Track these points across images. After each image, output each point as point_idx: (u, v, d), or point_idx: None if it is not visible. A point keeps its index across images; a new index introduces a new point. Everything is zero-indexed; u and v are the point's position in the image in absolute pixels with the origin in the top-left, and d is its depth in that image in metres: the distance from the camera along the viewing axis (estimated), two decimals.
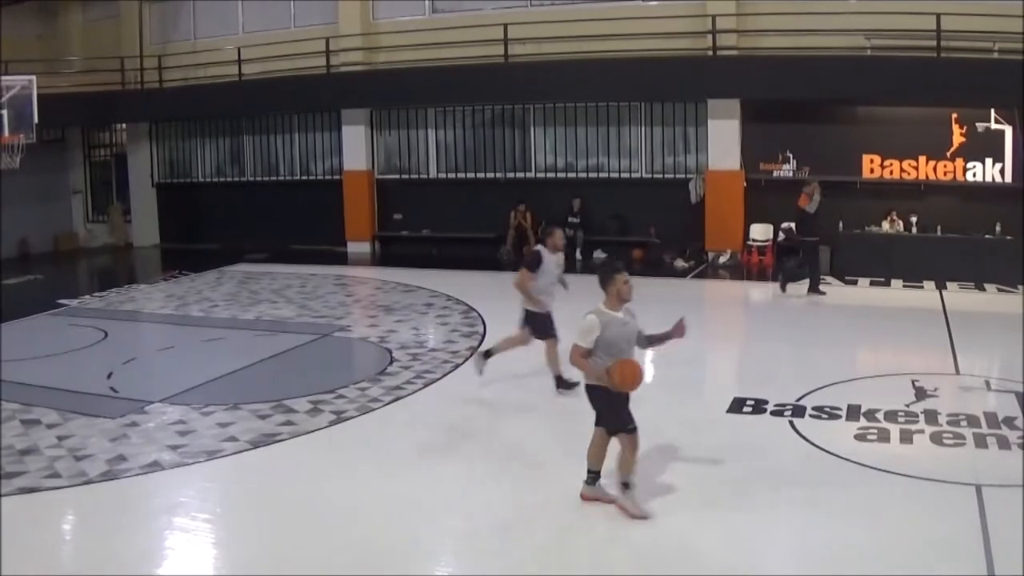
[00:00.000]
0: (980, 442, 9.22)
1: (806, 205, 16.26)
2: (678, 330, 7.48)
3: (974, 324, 15.17)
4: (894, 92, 18.96)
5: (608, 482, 7.59)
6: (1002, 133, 19.33)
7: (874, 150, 19.62)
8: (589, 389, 7.29)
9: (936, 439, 9.30)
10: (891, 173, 19.51)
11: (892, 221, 19.22)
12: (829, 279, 18.59)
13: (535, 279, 10.60)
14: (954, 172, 19.36)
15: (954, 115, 19.35)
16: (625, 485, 7.24)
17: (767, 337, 14.23)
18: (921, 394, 10.74)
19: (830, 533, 7.11)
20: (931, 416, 9.88)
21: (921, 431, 9.51)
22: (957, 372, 12.03)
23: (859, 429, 9.51)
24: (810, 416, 9.85)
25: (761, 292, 18.63)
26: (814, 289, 16.34)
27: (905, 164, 19.51)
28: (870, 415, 9.88)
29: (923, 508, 7.69)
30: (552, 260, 10.88)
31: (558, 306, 10.99)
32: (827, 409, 10.06)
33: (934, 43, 19.11)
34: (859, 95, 19.34)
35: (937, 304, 15.94)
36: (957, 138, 19.41)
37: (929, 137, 19.44)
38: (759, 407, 10.14)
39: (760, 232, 19.94)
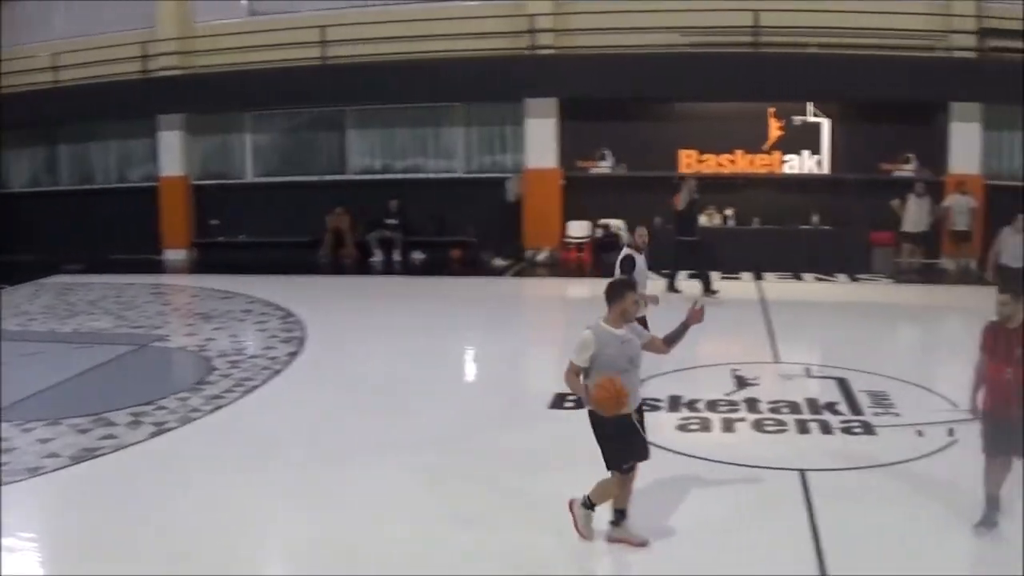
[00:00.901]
0: (802, 428, 9.35)
1: (678, 203, 15.98)
2: (695, 316, 6.91)
3: (793, 313, 15.27)
4: (711, 88, 18.99)
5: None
6: (819, 126, 19.49)
7: (691, 145, 19.59)
8: (590, 416, 6.59)
9: (758, 427, 9.38)
10: (708, 167, 19.48)
11: (710, 215, 19.08)
12: (648, 273, 18.45)
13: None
14: (771, 165, 19.50)
15: (771, 109, 19.50)
16: (620, 513, 6.68)
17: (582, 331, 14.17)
18: (742, 383, 10.83)
19: (651, 522, 7.02)
20: (752, 404, 9.96)
21: (743, 419, 9.58)
22: (777, 360, 12.17)
23: (681, 420, 9.55)
24: None
25: (580, 288, 18.37)
26: (707, 289, 15.73)
27: (722, 158, 19.53)
28: (691, 405, 9.94)
29: (749, 495, 7.71)
30: (643, 260, 10.84)
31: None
32: (648, 401, 9.89)
33: (751, 39, 19.18)
34: (676, 92, 19.33)
35: (755, 295, 16.00)
36: (774, 132, 19.56)
37: (746, 131, 19.53)
38: (581, 401, 9.99)
39: (578, 229, 19.69)
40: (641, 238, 10.91)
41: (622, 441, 6.47)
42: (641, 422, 6.61)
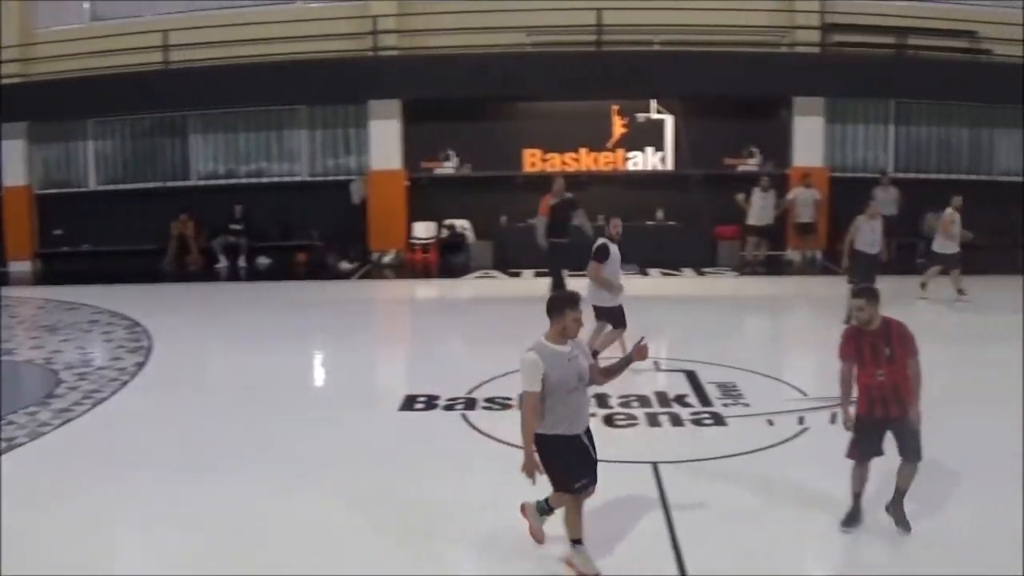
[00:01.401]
0: (653, 421, 9.47)
1: (546, 204, 15.56)
2: (639, 353, 6.43)
3: (640, 307, 14.94)
4: (555, 87, 18.93)
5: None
6: (662, 122, 19.56)
7: (536, 144, 19.52)
8: (536, 440, 6.10)
9: (609, 421, 9.43)
10: (552, 166, 19.39)
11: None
12: (494, 273, 18.54)
13: (604, 269, 10.76)
14: (615, 162, 19.52)
15: (615, 107, 19.52)
16: (576, 542, 6.23)
17: (435, 333, 14.31)
18: None
19: (513, 521, 6.92)
20: (602, 399, 9.93)
21: (593, 414, 9.32)
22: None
23: None
24: (482, 408, 9.81)
25: (427, 289, 18.32)
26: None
27: (567, 157, 19.49)
28: None
29: (603, 489, 7.53)
30: (616, 250, 10.98)
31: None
32: (499, 400, 10.00)
33: (595, 38, 19.21)
34: (521, 91, 19.20)
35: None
36: (618, 129, 19.59)
37: (591, 129, 19.53)
38: (431, 403, 10.01)
39: (423, 230, 19.50)
40: (615, 228, 11.04)
41: (561, 462, 6.09)
42: (592, 445, 6.27)
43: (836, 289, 17.29)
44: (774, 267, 19.15)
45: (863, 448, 6.84)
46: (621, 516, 7.21)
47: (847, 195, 19.06)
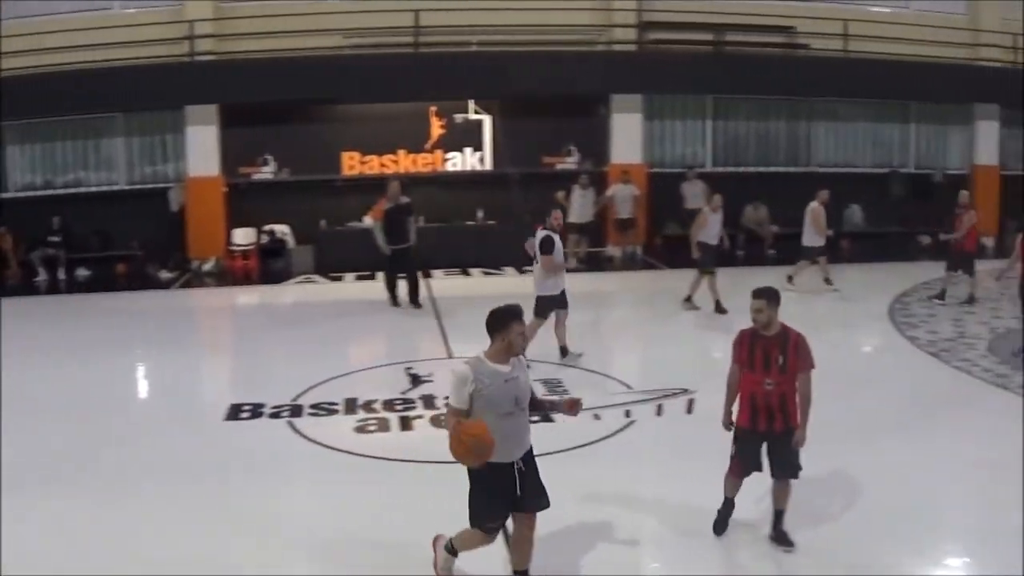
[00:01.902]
0: None
1: (380, 208, 15.34)
2: (568, 409, 6.13)
3: (463, 307, 15.38)
4: (373, 89, 18.99)
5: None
6: (480, 123, 19.78)
7: (354, 147, 19.60)
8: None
9: (436, 422, 9.48)
10: (371, 169, 19.52)
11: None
12: (316, 277, 18.54)
13: (555, 259, 11.27)
14: (434, 163, 19.72)
15: (433, 108, 19.69)
16: (453, 552, 6.00)
17: (259, 340, 14.14)
18: (416, 380, 11.06)
19: (340, 526, 7.19)
20: (428, 401, 10.19)
21: (420, 416, 9.79)
22: (450, 356, 12.37)
23: (358, 422, 9.66)
24: (308, 414, 9.87)
25: (248, 297, 18.24)
26: (413, 300, 15.19)
27: (385, 159, 19.61)
28: (368, 407, 10.06)
29: (434, 491, 7.73)
30: (560, 241, 11.54)
31: None
32: (324, 405, 10.13)
33: (412, 39, 19.33)
34: (339, 94, 19.22)
35: (424, 292, 16.05)
36: (436, 130, 19.77)
37: (409, 131, 19.69)
38: (256, 411, 9.99)
39: (243, 236, 19.39)
40: (557, 220, 11.62)
41: (485, 494, 5.62)
42: (533, 469, 5.78)
43: (657, 283, 18.37)
44: (595, 263, 19.62)
45: (744, 463, 6.62)
46: (451, 518, 7.11)
47: (666, 191, 19.56)
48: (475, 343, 12.38)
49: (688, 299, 14.93)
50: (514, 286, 17.73)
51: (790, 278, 16.22)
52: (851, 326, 15.04)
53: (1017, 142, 23.15)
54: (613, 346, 14.29)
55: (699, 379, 10.95)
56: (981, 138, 22.55)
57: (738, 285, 14.82)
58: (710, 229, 14.78)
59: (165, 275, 18.95)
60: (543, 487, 5.79)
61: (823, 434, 7.25)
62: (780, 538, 6.59)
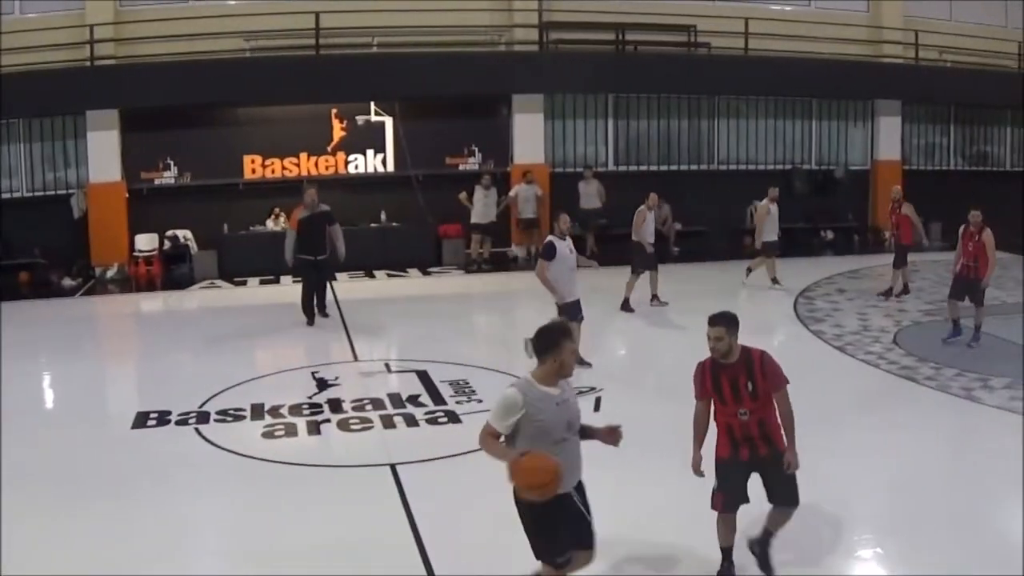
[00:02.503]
0: (388, 423, 10.22)
1: (296, 216, 15.27)
2: (609, 436, 5.81)
3: (368, 310, 16.35)
4: (274, 92, 20.27)
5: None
6: (382, 124, 21.20)
7: (255, 150, 20.87)
8: (514, 496, 5.53)
9: (344, 426, 10.15)
10: (273, 172, 20.84)
11: (276, 217, 20.47)
12: (219, 282, 19.62)
13: (550, 268, 11.53)
14: (336, 166, 21.11)
15: (334, 110, 21.07)
16: None
17: (164, 347, 14.49)
18: (323, 384, 11.62)
19: (250, 532, 7.56)
20: (335, 405, 10.77)
21: (328, 420, 10.32)
22: (356, 359, 13.13)
23: (266, 427, 10.10)
24: (215, 421, 10.29)
25: (152, 303, 19.14)
26: (320, 309, 15.40)
27: (287, 162, 20.92)
28: (275, 412, 10.54)
29: (343, 495, 8.36)
30: (565, 246, 11.74)
31: None
32: (231, 411, 10.58)
33: (313, 41, 20.62)
34: (240, 97, 20.51)
35: (329, 295, 16.43)
36: (338, 132, 21.14)
37: (310, 133, 21.03)
38: (163, 419, 10.42)
39: (146, 242, 20.48)
40: (565, 223, 11.92)
41: (552, 527, 5.45)
42: (584, 500, 5.65)
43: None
44: (499, 264, 21.11)
45: (728, 497, 6.41)
46: (363, 520, 7.79)
47: (568, 190, 21.19)
48: (380, 346, 13.61)
49: (653, 298, 16.04)
50: (418, 288, 19.30)
51: (748, 271, 17.96)
52: (757, 322, 15.81)
53: (919, 137, 25.35)
54: (518, 346, 15.26)
55: (605, 377, 11.84)
56: (883, 134, 24.64)
57: (642, 283, 16.48)
58: (646, 228, 16.00)
59: (68, 283, 19.90)
60: (592, 525, 5.73)
61: None
62: (763, 562, 6.57)
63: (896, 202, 17.03)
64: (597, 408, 10.65)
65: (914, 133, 25.56)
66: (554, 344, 5.44)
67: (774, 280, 17.83)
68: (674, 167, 22.92)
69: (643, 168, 22.63)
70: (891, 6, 24.57)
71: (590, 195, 20.94)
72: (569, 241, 12.03)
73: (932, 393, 11.73)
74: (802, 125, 24.36)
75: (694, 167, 23.19)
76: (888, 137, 24.74)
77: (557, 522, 5.44)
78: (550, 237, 11.99)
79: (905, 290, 17.22)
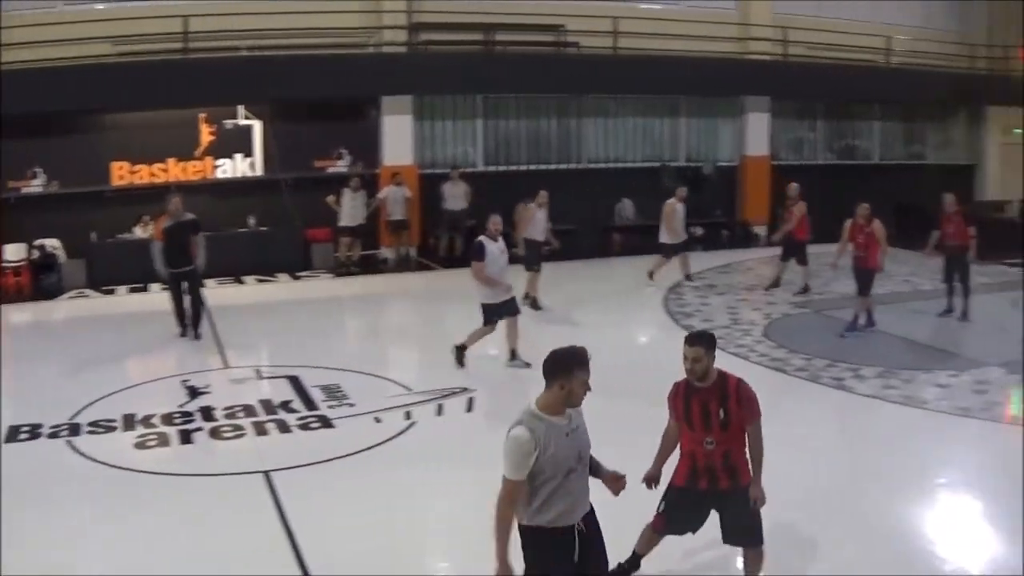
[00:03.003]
0: (260, 430, 10.72)
1: (160, 226, 15.42)
2: (615, 483, 5.80)
3: (238, 317, 17.02)
4: (141, 96, 21.18)
5: None
6: (251, 128, 22.49)
7: (123, 157, 21.78)
8: (520, 530, 5.51)
9: (216, 434, 10.58)
10: (141, 178, 21.90)
11: (144, 225, 21.47)
12: (88, 292, 20.39)
13: (486, 268, 12.35)
14: (204, 171, 22.26)
15: (202, 115, 22.22)
16: None
17: (33, 359, 14.58)
18: (194, 393, 12.06)
19: (126, 544, 7.86)
20: (207, 413, 11.20)
21: (200, 429, 10.72)
22: (227, 366, 13.68)
23: (138, 438, 10.45)
24: (87, 433, 10.59)
25: (20, 314, 19.38)
26: (193, 326, 15.49)
27: (155, 168, 21.92)
28: (146, 422, 10.90)
29: (219, 503, 8.78)
30: (496, 247, 12.58)
31: None
32: (103, 423, 10.90)
33: (181, 45, 21.70)
34: (108, 102, 21.31)
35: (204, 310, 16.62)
36: (206, 137, 22.28)
37: (178, 138, 22.05)
38: (35, 432, 10.67)
39: (13, 252, 21.04)
40: (495, 226, 12.79)
41: (546, 562, 5.50)
42: (595, 531, 5.67)
43: (432, 283, 21.23)
44: (369, 266, 22.22)
45: (673, 523, 6.54)
46: (239, 529, 8.14)
47: (438, 192, 22.82)
48: (251, 352, 14.20)
49: (526, 296, 16.67)
50: (288, 292, 20.32)
51: (651, 274, 19.34)
52: (627, 318, 17.23)
53: (788, 132, 27.63)
54: (391, 348, 15.96)
55: (477, 378, 12.60)
56: (751, 130, 26.83)
57: (515, 282, 17.30)
58: (536, 225, 17.28)
59: None
60: (606, 554, 5.74)
61: (611, 427, 8.97)
62: None
63: (791, 199, 18.45)
64: (470, 409, 11.52)
65: (782, 128, 27.81)
66: (565, 370, 5.35)
67: (687, 277, 19.37)
68: (543, 166, 24.58)
69: (512, 168, 24.30)
70: (760, 4, 26.70)
71: (456, 196, 22.34)
72: (501, 242, 12.85)
73: (803, 384, 12.77)
74: (671, 122, 26.41)
75: (563, 166, 24.96)
76: (756, 133, 26.92)
77: (554, 556, 5.44)
78: (480, 238, 12.78)
79: (775, 283, 18.98)
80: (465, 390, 12.10)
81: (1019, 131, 30.36)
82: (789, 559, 7.55)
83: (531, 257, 16.92)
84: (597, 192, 24.05)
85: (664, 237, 19.01)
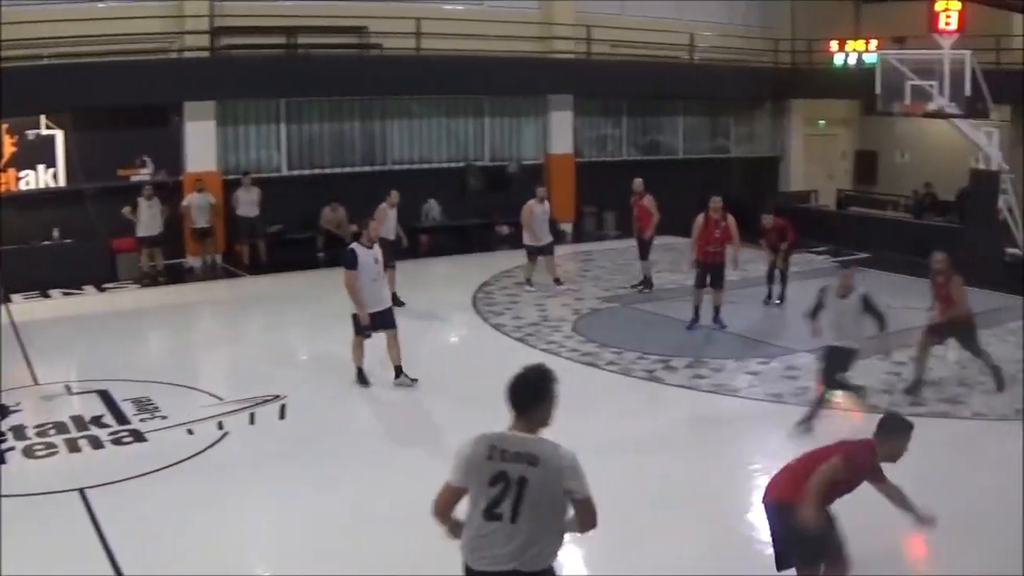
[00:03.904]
0: (73, 447, 11.29)
1: None
2: (580, 526, 5.81)
3: (45, 331, 17.74)
4: None
5: None
6: (53, 138, 23.97)
7: None
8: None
9: (29, 453, 11.11)
10: None
11: None
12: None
13: (358, 277, 12.94)
14: (7, 183, 23.44)
15: (4, 125, 23.43)
16: None
17: None
18: (3, 411, 12.51)
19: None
20: (19, 431, 11.73)
21: (12, 448, 11.21)
22: (36, 383, 14.27)
23: None
24: None
25: None
26: None
27: None
28: None
29: (34, 523, 9.22)
30: (370, 254, 13.17)
31: None
32: None
33: None
34: None
35: (4, 318, 17.82)
36: (8, 148, 23.45)
37: None
38: None
39: None
40: (374, 231, 13.52)
41: None
42: None
43: (238, 291, 22.72)
44: (175, 275, 23.54)
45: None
46: (56, 549, 8.59)
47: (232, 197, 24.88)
48: (60, 367, 15.75)
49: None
50: (95, 305, 20.91)
51: (528, 280, 20.67)
52: (437, 319, 18.56)
53: (592, 129, 31.17)
54: (201, 358, 16.94)
55: (289, 384, 13.58)
56: (555, 128, 30.24)
57: (323, 287, 18.85)
58: (386, 224, 18.09)
59: None
60: None
61: (420, 427, 10.55)
62: None
63: (637, 194, 20.23)
64: (283, 416, 12.54)
65: (587, 126, 31.39)
66: (546, 398, 5.65)
67: (556, 281, 20.76)
68: (348, 169, 26.94)
69: (317, 171, 26.55)
70: (563, 4, 29.95)
71: (250, 202, 24.08)
72: (376, 249, 13.50)
73: (615, 377, 14.09)
74: (475, 122, 29.48)
75: (368, 168, 27.24)
76: (561, 131, 30.33)
77: None
78: (353, 244, 13.44)
79: (646, 283, 20.60)
80: (277, 397, 13.12)
81: (823, 123, 34.93)
82: (624, 553, 8.67)
83: (385, 255, 16.88)
84: (403, 194, 26.06)
85: (525, 239, 20.54)
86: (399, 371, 13.78)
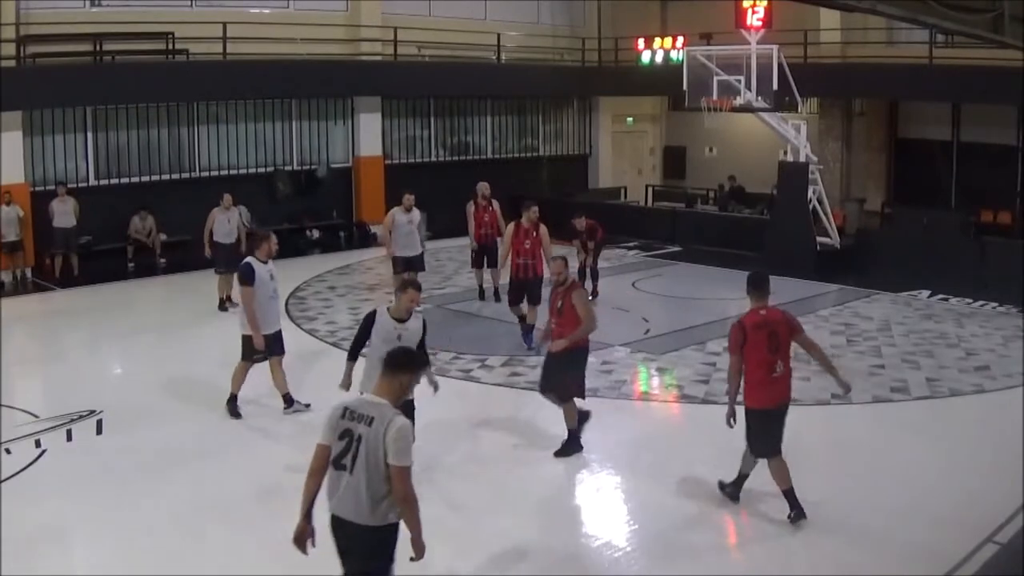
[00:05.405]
0: None
1: None
2: (414, 550, 7.57)
3: None
4: None
5: None
6: None
7: None
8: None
9: None
10: None
11: None
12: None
13: (254, 295, 13.31)
14: None
15: None
16: None
17: None
18: None
19: None
20: None
21: None
22: None
23: None
24: None
25: None
26: None
27: None
28: None
29: None
30: (266, 270, 13.50)
31: None
32: None
33: None
34: None
35: None
36: None
37: None
38: None
39: None
40: (274, 244, 13.86)
41: None
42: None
43: (49, 305, 24.23)
44: None
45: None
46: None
47: (43, 209, 27.51)
48: None
49: (223, 301, 20.23)
50: None
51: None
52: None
53: (400, 131, 35.08)
54: (14, 374, 17.14)
55: (103, 398, 14.29)
56: (363, 131, 34.09)
57: (134, 299, 21.18)
58: (222, 228, 20.13)
59: None
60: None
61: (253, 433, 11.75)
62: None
63: (485, 198, 22.13)
64: (100, 431, 13.29)
65: (395, 128, 35.35)
66: (416, 367, 7.51)
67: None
68: (156, 177, 29.69)
69: (125, 180, 29.06)
70: (370, 5, 33.73)
71: (66, 213, 26.08)
72: (271, 265, 13.74)
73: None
74: (283, 126, 32.79)
75: (176, 176, 30.13)
76: (369, 133, 34.14)
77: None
78: (248, 259, 13.70)
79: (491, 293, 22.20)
80: (92, 412, 13.91)
81: (631, 120, 40.07)
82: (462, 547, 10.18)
83: (218, 260, 20.50)
84: (212, 202, 26.63)
85: (393, 250, 21.28)
86: (289, 399, 14.24)
